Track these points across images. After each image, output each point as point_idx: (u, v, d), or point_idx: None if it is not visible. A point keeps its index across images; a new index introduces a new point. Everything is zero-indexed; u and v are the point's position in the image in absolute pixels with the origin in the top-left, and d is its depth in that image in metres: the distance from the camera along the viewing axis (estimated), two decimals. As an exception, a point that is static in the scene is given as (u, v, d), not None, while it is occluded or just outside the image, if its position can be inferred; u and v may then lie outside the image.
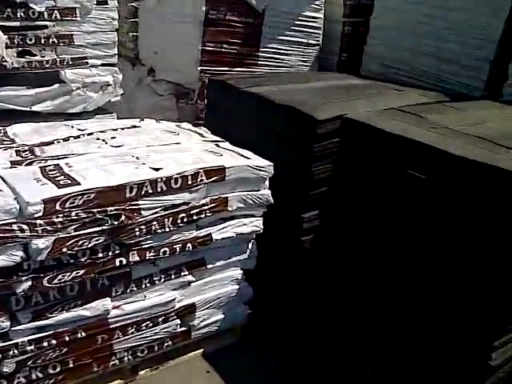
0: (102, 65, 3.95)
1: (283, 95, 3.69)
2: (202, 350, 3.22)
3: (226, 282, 3.19)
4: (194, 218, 2.85)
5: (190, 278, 3.01)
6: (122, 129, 3.39)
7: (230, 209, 3.00)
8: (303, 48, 5.28)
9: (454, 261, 2.64)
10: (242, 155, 3.14)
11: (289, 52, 5.19)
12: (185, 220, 2.82)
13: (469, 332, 2.59)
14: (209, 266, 3.07)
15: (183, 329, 3.07)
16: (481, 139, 2.84)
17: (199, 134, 3.48)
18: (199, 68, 4.75)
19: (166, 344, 3.03)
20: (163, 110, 5.04)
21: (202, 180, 2.81)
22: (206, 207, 2.88)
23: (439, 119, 3.17)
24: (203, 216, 2.89)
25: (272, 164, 3.13)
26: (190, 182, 2.77)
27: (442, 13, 4.68)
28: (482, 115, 3.40)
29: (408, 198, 2.83)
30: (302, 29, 5.17)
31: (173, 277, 2.93)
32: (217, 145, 3.28)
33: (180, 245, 2.85)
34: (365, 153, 3.03)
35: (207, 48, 4.74)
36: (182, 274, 2.97)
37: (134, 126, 3.51)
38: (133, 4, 5.38)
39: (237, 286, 3.23)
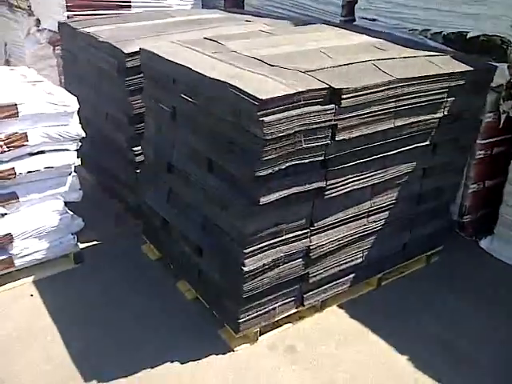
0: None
1: (112, 33, 3.79)
2: (33, 277, 3.47)
3: (47, 213, 3.40)
4: (-11, 153, 3.04)
5: (1, 210, 3.22)
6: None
7: (31, 143, 3.17)
8: (181, -14, 5.29)
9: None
10: (50, 93, 3.28)
11: (165, -9, 5.21)
12: (-22, 156, 3.01)
13: (228, 240, 2.78)
14: (22, 199, 3.27)
15: (4, 257, 3.31)
16: (255, 60, 2.93)
17: (23, 75, 3.60)
18: (66, 13, 4.81)
19: (-14, 271, 3.28)
20: (44, 57, 5.18)
21: (-11, 117, 2.98)
22: (1, 143, 3.06)
23: (238, 45, 3.24)
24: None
25: (75, 98, 3.27)
26: (-25, 119, 2.94)
27: None
28: (291, 38, 3.45)
29: (184, 121, 2.97)
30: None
31: (-19, 209, 3.15)
32: (33, 85, 3.41)
33: (-22, 179, 3.06)
34: (155, 80, 3.16)
35: (72, -8, 4.79)
36: (-8, 206, 3.18)
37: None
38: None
39: (60, 217, 3.44)
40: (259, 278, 2.79)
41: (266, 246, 2.76)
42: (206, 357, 2.91)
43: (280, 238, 2.79)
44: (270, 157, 2.46)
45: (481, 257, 3.85)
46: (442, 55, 3.22)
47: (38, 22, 5.44)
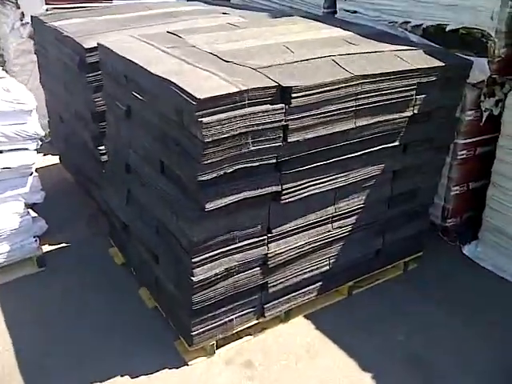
0: None
1: (78, 27, 3.68)
2: (-6, 282, 3.38)
3: (7, 215, 3.29)
4: None
5: (-44, 212, 3.14)
6: None
7: (-16, 143, 3.07)
8: (166, -21, 5.13)
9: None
10: (7, 90, 3.17)
11: (148, -16, 5.06)
12: None
13: (179, 248, 2.64)
14: (-22, 201, 3.18)
15: (-38, 261, 3.23)
16: (211, 55, 2.78)
17: (-14, 73, 3.50)
18: (45, 6, 4.71)
19: None
20: (25, 52, 5.07)
21: None
22: (-49, 142, 2.96)
23: (199, 39, 3.09)
24: (-50, 151, 2.97)
25: (31, 96, 3.16)
26: None
27: None
28: (258, 32, 3.28)
29: (138, 120, 2.84)
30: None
31: None
32: (-7, 82, 3.31)
33: None
34: (111, 76, 3.03)
35: (51, -15, 4.68)
36: None
37: None
38: None
39: (21, 219, 3.34)
40: (212, 289, 2.64)
41: (217, 254, 2.60)
42: (158, 371, 2.77)
43: (233, 246, 2.64)
44: (211, 160, 2.30)
45: (463, 264, 3.63)
46: (414, 50, 3.02)
47: (23, 15, 5.34)
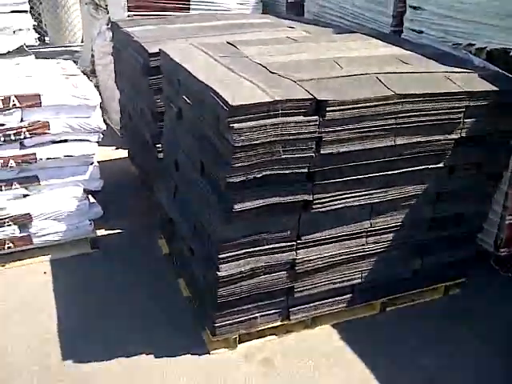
0: (13, 11, 4.43)
1: (148, 33, 3.92)
2: (50, 256, 3.68)
3: (66, 198, 3.59)
4: (12, 138, 3.27)
5: (23, 191, 3.47)
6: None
7: (52, 132, 3.37)
8: (242, -10, 5.34)
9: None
10: (76, 86, 3.47)
11: (224, -5, 5.28)
12: (2, 139, 3.25)
13: (209, 244, 2.77)
14: (43, 183, 3.49)
15: (23, 234, 3.55)
16: (259, 66, 2.90)
17: (63, 68, 3.83)
18: (126, 13, 5.04)
19: (7, 245, 3.53)
20: (107, 54, 5.44)
21: (14, 104, 3.21)
22: (24, 129, 3.29)
23: (254, 50, 3.22)
24: (22, 137, 3.30)
25: (97, 94, 3.44)
26: (1, 106, 3.18)
27: None
28: (314, 47, 3.36)
29: (186, 121, 3.01)
30: (238, -29, 5.24)
31: (3, 189, 3.39)
32: (67, 78, 3.63)
33: (1, 161, 3.29)
34: (168, 79, 3.23)
35: (133, -7, 5.01)
36: (14, 187, 3.42)
37: (17, 64, 4.00)
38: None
39: (78, 203, 3.62)
40: (236, 285, 2.75)
41: (244, 253, 2.71)
42: (181, 355, 2.92)
43: (261, 248, 2.73)
44: (241, 164, 2.41)
45: (510, 295, 3.49)
46: (468, 72, 2.96)
47: (109, 20, 5.75)
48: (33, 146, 3.38)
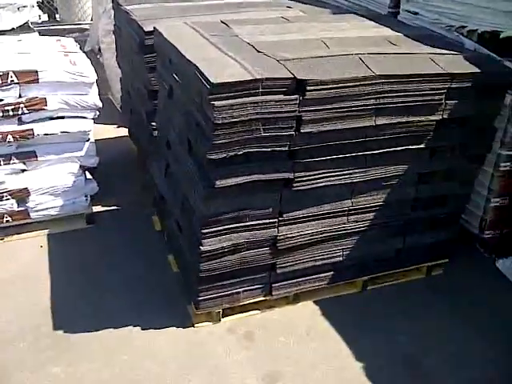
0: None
1: (146, 11, 3.98)
2: (47, 230, 3.81)
3: (63, 174, 3.70)
4: (10, 113, 3.38)
5: (21, 166, 3.58)
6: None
7: (49, 108, 3.47)
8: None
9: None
10: (74, 63, 3.56)
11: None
12: (0, 115, 3.35)
13: (194, 220, 2.87)
14: (40, 159, 3.61)
15: (21, 209, 3.68)
16: (247, 45, 2.96)
17: (63, 46, 3.91)
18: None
19: (5, 219, 3.66)
20: (110, 32, 5.48)
21: (12, 80, 3.31)
22: (22, 105, 3.39)
23: (245, 30, 3.27)
24: (20, 112, 3.41)
25: (92, 70, 3.52)
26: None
27: None
28: (306, 27, 3.39)
29: (176, 100, 3.08)
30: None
31: (2, 163, 3.51)
32: (66, 55, 3.72)
33: (0, 136, 3.41)
34: (161, 58, 3.30)
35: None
36: (12, 162, 3.54)
37: (19, 40, 4.09)
38: None
39: (74, 179, 3.74)
40: (219, 260, 2.85)
41: (226, 229, 2.80)
42: (166, 327, 3.04)
43: (242, 224, 2.82)
44: (222, 141, 2.49)
45: (492, 277, 3.54)
46: (453, 54, 2.99)
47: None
48: (30, 121, 3.48)
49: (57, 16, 9.23)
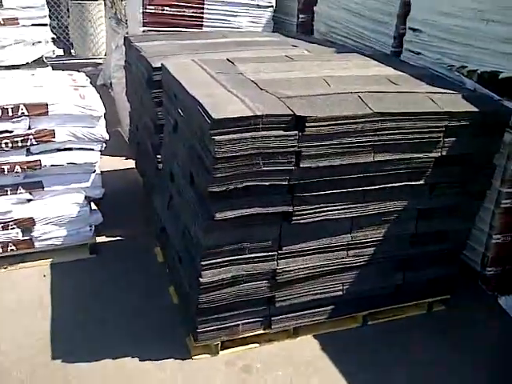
0: (33, 25, 4.69)
1: (155, 48, 4.11)
2: (50, 260, 3.85)
3: (68, 204, 3.77)
4: (19, 144, 3.47)
5: (27, 196, 3.66)
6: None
7: (57, 140, 3.56)
8: (253, 9, 5.51)
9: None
10: (83, 97, 3.67)
11: (236, 13, 5.46)
12: (9, 145, 3.45)
13: (194, 251, 2.90)
14: (46, 189, 3.68)
15: (26, 238, 3.73)
16: (251, 83, 3.04)
17: (74, 80, 4.03)
18: (142, 29, 5.26)
19: (10, 248, 3.72)
20: (121, 67, 5.65)
21: (23, 113, 3.42)
22: (30, 136, 3.48)
23: (250, 67, 3.37)
24: (28, 144, 3.50)
25: (101, 104, 3.62)
26: (10, 114, 3.39)
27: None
28: (308, 65, 3.48)
29: (181, 134, 3.16)
30: (249, -10, 5.41)
31: (9, 193, 3.59)
32: (76, 89, 3.83)
33: (8, 166, 3.49)
34: (167, 93, 3.39)
35: (148, 11, 5.21)
36: (19, 192, 3.62)
37: (32, 74, 4.22)
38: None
39: (79, 209, 3.79)
40: (218, 292, 2.86)
41: (226, 261, 2.82)
42: (164, 359, 3.03)
43: (242, 256, 2.84)
44: (222, 174, 2.54)
45: (495, 315, 3.51)
46: (452, 93, 3.05)
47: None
48: (38, 152, 3.57)
49: (72, 51, 9.50)
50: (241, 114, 2.51)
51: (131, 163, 5.37)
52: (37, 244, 3.78)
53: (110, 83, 6.71)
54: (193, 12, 5.36)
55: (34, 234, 3.73)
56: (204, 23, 5.44)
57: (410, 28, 4.20)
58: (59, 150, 3.64)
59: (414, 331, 3.31)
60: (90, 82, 4.12)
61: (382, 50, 4.51)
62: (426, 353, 3.16)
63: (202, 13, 5.38)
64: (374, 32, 4.62)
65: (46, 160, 3.58)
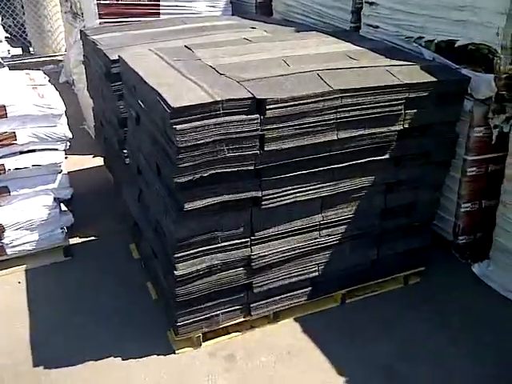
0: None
1: (112, 40, 4.03)
2: (24, 266, 3.78)
3: (37, 207, 3.69)
4: (-21, 150, 3.39)
5: (-6, 203, 3.58)
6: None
7: (19, 142, 3.48)
8: (210, -6, 5.45)
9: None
10: (42, 96, 3.58)
11: (193, -2, 5.39)
12: (-31, 152, 3.36)
13: (167, 245, 2.87)
14: (13, 193, 3.60)
15: (-4, 246, 3.66)
16: (209, 68, 3.01)
17: (32, 79, 3.93)
18: (98, 21, 5.15)
19: (-19, 257, 3.65)
20: (81, 62, 5.55)
21: (-20, 116, 3.33)
22: (-10, 140, 3.40)
23: (208, 53, 3.33)
24: (-11, 148, 3.41)
25: (61, 101, 3.55)
26: (-33, 118, 3.30)
27: None
28: (268, 46, 3.45)
29: (143, 125, 3.12)
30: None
31: (-26, 201, 3.51)
32: (34, 88, 3.74)
33: (-31, 173, 3.41)
34: (127, 85, 3.34)
35: (103, 2, 5.11)
36: (-15, 199, 3.54)
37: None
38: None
39: (49, 212, 3.72)
40: (194, 284, 2.84)
41: (199, 252, 2.80)
42: (147, 356, 3.01)
43: (215, 246, 2.83)
44: (187, 164, 2.51)
45: (469, 282, 3.57)
46: (410, 65, 3.06)
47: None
48: (1, 157, 3.48)
49: (31, 49, 9.26)
50: (200, 100, 2.47)
51: (100, 161, 5.30)
52: (8, 251, 3.70)
53: (73, 80, 6.58)
54: (148, 0, 5.28)
55: (5, 240, 3.64)
56: (161, 11, 5.37)
57: (366, 2, 4.20)
58: (22, 152, 3.55)
59: (392, 305, 3.35)
60: (49, 80, 4.03)
61: (342, 26, 4.51)
62: (406, 325, 3.20)
63: (159, 0, 5.30)
64: (332, 8, 4.61)
65: (10, 164, 3.50)
